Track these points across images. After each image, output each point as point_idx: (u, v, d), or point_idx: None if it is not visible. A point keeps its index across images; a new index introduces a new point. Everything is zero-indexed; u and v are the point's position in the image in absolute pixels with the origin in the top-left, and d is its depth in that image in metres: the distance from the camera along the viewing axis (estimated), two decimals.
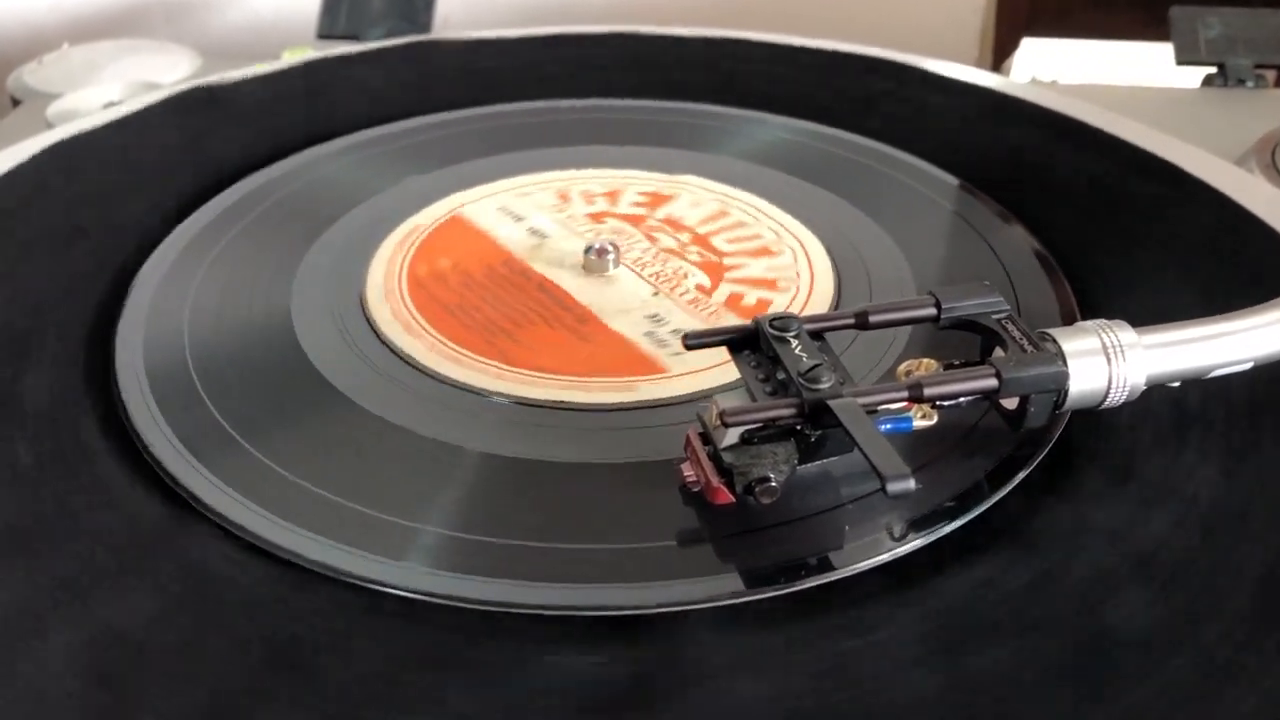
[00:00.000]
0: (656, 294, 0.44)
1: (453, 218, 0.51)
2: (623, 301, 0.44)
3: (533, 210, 0.51)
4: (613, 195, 0.52)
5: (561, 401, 0.39)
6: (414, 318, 0.43)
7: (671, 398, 0.39)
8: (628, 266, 0.46)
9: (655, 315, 0.43)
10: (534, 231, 0.49)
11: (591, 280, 0.45)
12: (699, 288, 0.45)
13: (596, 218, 0.50)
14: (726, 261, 0.47)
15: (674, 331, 0.42)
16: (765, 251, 0.47)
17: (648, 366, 0.40)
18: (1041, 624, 0.30)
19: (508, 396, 0.39)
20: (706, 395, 0.38)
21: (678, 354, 0.40)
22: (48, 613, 0.30)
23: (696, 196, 0.52)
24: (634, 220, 0.50)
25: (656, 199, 0.51)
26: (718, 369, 0.40)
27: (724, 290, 0.45)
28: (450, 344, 0.42)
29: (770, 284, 0.45)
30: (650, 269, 0.46)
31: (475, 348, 0.42)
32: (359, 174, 0.54)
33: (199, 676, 0.29)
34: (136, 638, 0.30)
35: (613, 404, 0.39)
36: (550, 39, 0.69)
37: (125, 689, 0.28)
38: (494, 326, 0.43)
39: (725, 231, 0.49)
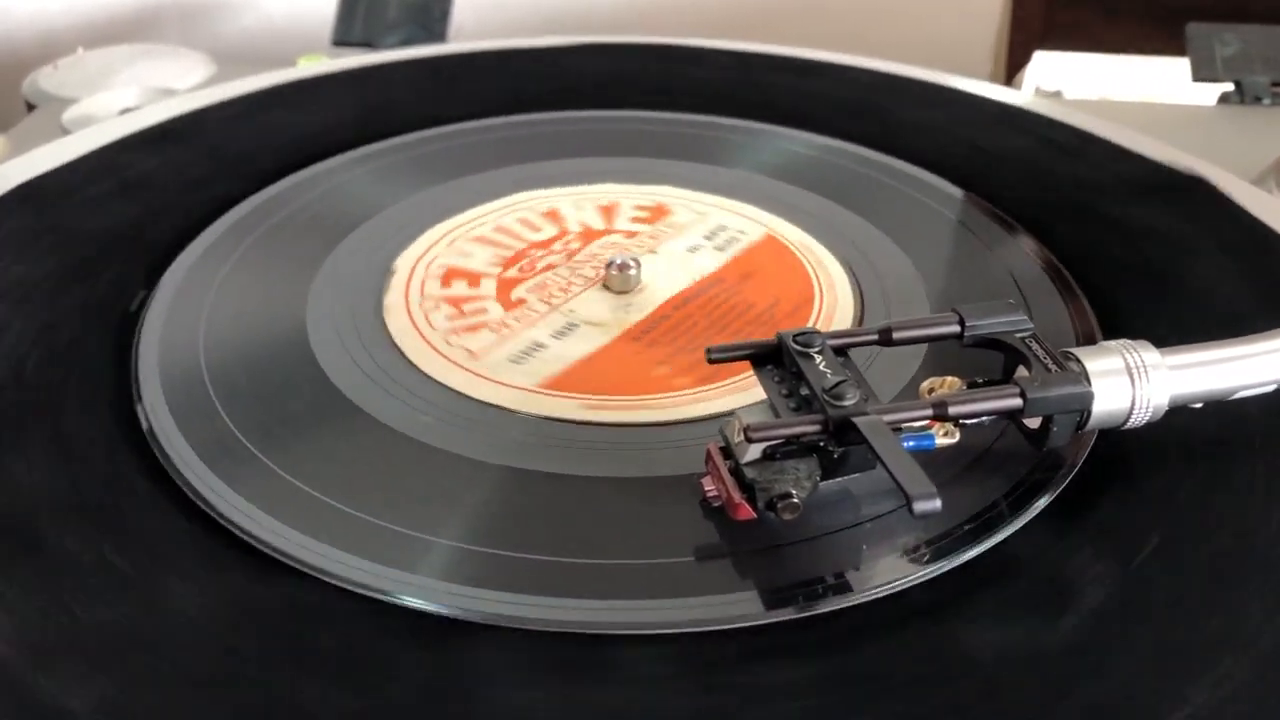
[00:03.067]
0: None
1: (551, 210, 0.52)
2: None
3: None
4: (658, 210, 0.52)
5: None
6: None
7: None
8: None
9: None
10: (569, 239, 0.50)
11: (606, 292, 0.46)
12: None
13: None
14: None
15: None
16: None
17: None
18: None
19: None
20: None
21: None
22: (54, 616, 0.30)
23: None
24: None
25: (654, 213, 0.51)
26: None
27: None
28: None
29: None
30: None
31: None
32: (382, 182, 0.54)
33: (218, 687, 0.29)
34: (150, 647, 0.30)
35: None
36: (549, 50, 0.69)
37: (143, 698, 0.28)
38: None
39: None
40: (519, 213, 0.52)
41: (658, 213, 0.51)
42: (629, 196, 0.53)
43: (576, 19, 0.98)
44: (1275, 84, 0.73)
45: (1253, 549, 0.33)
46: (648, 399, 0.40)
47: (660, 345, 0.42)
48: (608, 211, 0.52)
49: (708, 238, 0.49)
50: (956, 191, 0.53)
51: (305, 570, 0.32)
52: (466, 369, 0.41)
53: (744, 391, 0.39)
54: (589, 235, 0.50)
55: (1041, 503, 0.34)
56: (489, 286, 0.46)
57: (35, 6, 0.98)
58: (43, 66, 0.78)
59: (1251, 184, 0.53)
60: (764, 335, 0.38)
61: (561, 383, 0.40)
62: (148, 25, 0.98)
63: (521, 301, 0.45)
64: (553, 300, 0.45)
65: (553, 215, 0.51)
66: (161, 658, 0.29)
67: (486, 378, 0.41)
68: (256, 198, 0.52)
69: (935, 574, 0.32)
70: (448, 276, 0.47)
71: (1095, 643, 0.30)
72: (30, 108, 0.74)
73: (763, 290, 0.46)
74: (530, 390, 0.40)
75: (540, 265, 0.48)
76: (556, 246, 0.49)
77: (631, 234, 0.50)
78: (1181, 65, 0.76)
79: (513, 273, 0.47)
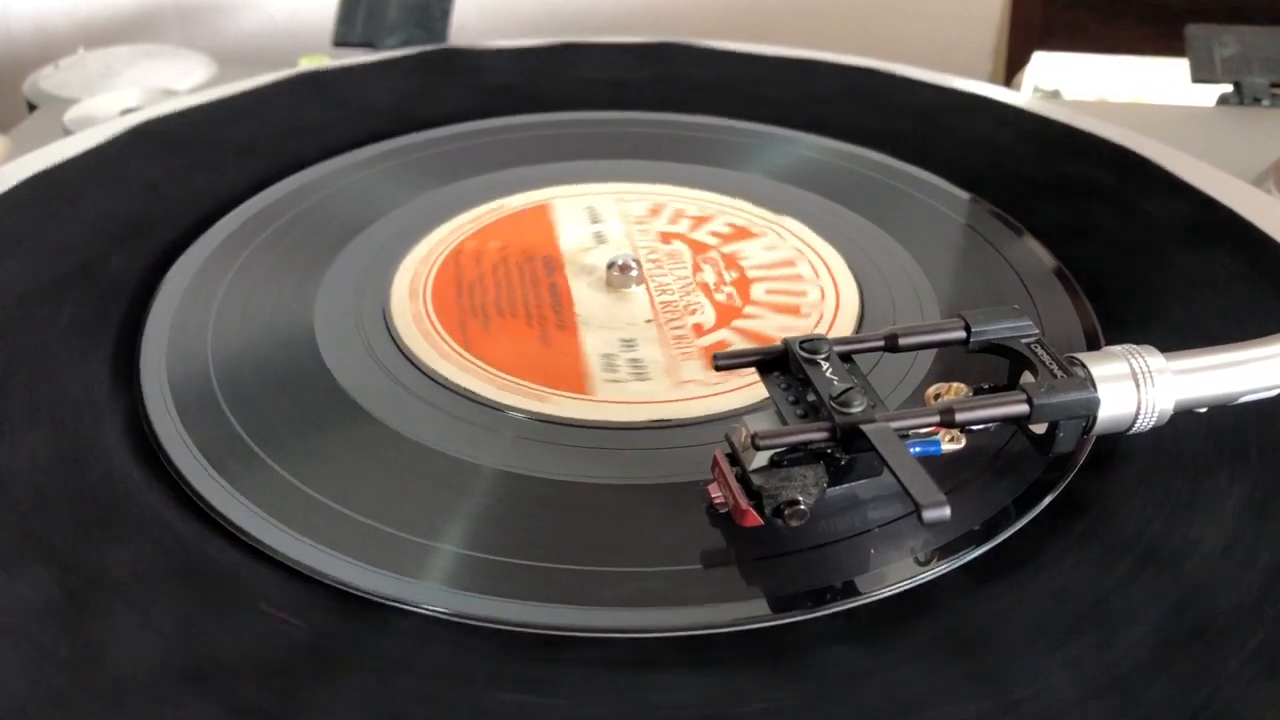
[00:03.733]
0: (650, 321, 0.44)
1: (539, 206, 0.52)
2: (612, 319, 0.44)
3: (615, 216, 0.52)
4: (700, 220, 0.52)
5: (584, 420, 0.39)
6: (424, 288, 0.45)
7: (574, 418, 0.39)
8: (648, 288, 0.46)
9: (630, 340, 0.43)
10: (598, 235, 0.50)
11: (606, 293, 0.46)
12: (695, 327, 0.44)
13: (666, 237, 0.50)
14: (746, 310, 0.46)
15: (633, 360, 0.42)
16: (793, 311, 0.45)
17: (576, 385, 0.40)
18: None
19: (527, 413, 0.39)
20: (613, 426, 0.39)
21: (616, 381, 0.41)
22: (61, 618, 0.31)
23: (778, 240, 0.50)
24: (697, 247, 0.49)
25: (741, 233, 0.51)
26: (637, 405, 0.40)
27: (718, 335, 0.44)
28: (432, 314, 0.44)
29: (769, 341, 0.43)
30: (666, 296, 0.46)
31: (447, 322, 0.43)
32: (389, 183, 0.54)
33: (216, 687, 0.29)
34: (154, 648, 0.30)
35: (632, 422, 0.39)
36: (556, 48, 0.69)
37: (140, 701, 0.28)
38: (479, 308, 0.44)
39: (774, 282, 0.47)
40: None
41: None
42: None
43: (576, 18, 0.98)
44: (1274, 85, 0.73)
45: (1253, 548, 0.33)
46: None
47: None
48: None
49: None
50: (961, 194, 0.54)
51: (306, 573, 0.32)
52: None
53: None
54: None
55: (1046, 501, 0.35)
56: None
57: (36, 7, 0.98)
58: (43, 67, 0.78)
59: (1251, 185, 0.53)
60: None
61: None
62: (148, 26, 0.98)
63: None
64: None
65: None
66: (152, 656, 0.30)
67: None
68: (264, 196, 0.53)
69: (941, 575, 0.32)
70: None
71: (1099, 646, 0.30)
72: (31, 108, 0.74)
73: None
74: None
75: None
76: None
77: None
78: (1181, 66, 0.76)
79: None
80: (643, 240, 0.50)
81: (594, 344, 0.43)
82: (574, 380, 0.41)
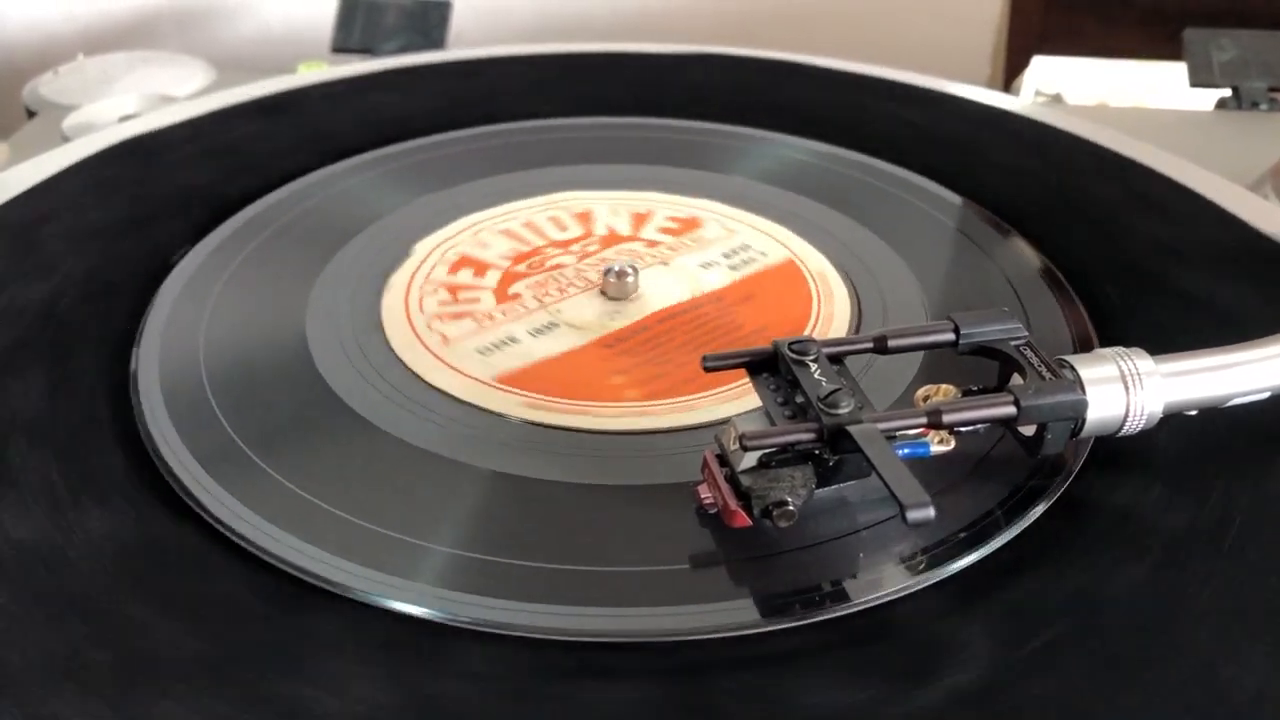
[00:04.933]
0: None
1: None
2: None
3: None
4: (640, 218, 0.52)
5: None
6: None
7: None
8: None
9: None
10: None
11: (601, 299, 0.46)
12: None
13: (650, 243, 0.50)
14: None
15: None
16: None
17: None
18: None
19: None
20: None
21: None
22: (64, 618, 0.31)
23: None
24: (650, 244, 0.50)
25: (685, 225, 0.51)
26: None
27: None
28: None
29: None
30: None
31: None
32: (376, 191, 0.54)
33: (213, 690, 0.29)
34: (151, 652, 0.30)
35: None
36: (545, 58, 0.69)
37: (137, 704, 0.28)
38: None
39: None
40: (553, 211, 0.52)
41: (688, 225, 0.51)
42: (666, 206, 0.53)
43: (574, 25, 0.98)
44: (1272, 89, 0.74)
45: (1251, 554, 0.33)
46: (592, 405, 0.40)
47: (629, 355, 0.43)
48: (640, 219, 0.52)
49: (726, 255, 0.49)
50: (954, 197, 0.54)
51: (303, 577, 0.32)
52: (435, 354, 0.42)
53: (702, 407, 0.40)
54: (611, 240, 0.50)
55: (1038, 510, 0.34)
56: (493, 278, 0.47)
57: (34, 14, 0.98)
58: (42, 73, 0.78)
59: (1248, 189, 0.53)
60: None
61: (515, 379, 0.41)
62: (146, 32, 0.98)
63: (516, 296, 0.46)
64: (545, 299, 0.46)
65: (584, 217, 0.52)
66: (159, 660, 0.30)
67: (448, 364, 0.42)
68: (261, 202, 0.53)
69: (931, 582, 0.32)
70: (458, 265, 0.48)
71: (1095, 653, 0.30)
72: (30, 114, 0.74)
73: (757, 313, 0.45)
74: (483, 382, 0.41)
75: (550, 264, 0.48)
76: (575, 248, 0.49)
77: (653, 243, 0.50)
78: (1179, 70, 0.76)
79: (521, 268, 0.48)
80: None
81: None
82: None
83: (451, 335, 0.43)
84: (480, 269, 0.48)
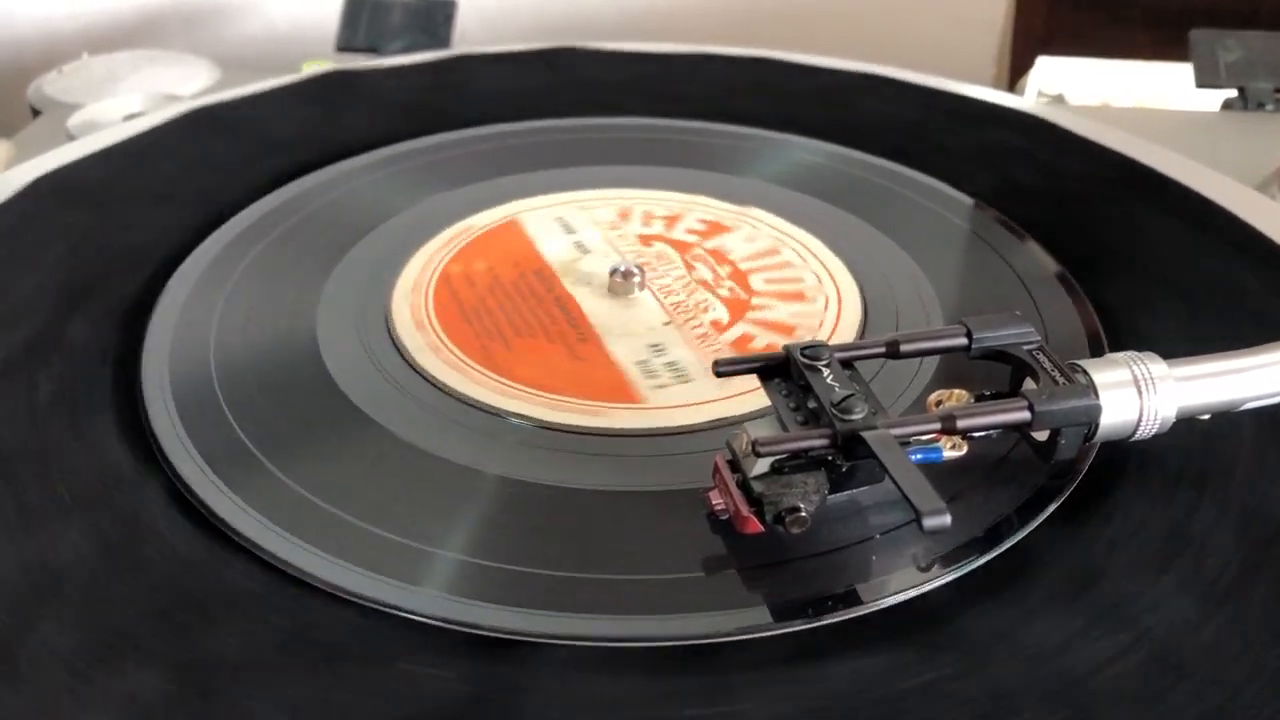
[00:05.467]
0: (669, 323, 0.44)
1: (508, 222, 0.51)
2: (630, 326, 0.44)
3: (587, 225, 0.51)
4: (673, 219, 0.52)
5: (587, 427, 0.39)
6: (428, 317, 0.44)
7: (636, 429, 0.39)
8: (652, 292, 0.46)
9: (658, 345, 0.43)
10: (579, 245, 0.50)
11: (611, 300, 0.45)
12: (714, 323, 0.44)
13: (646, 240, 0.50)
14: (755, 301, 0.46)
15: (669, 364, 0.42)
16: (798, 296, 0.46)
17: (625, 394, 0.40)
18: None
19: (530, 419, 0.39)
20: (677, 431, 0.38)
21: (662, 386, 0.40)
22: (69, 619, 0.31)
23: (754, 231, 0.51)
24: (681, 247, 0.50)
25: (715, 228, 0.51)
26: (694, 407, 0.39)
27: (738, 329, 0.44)
28: (448, 343, 0.43)
29: (788, 330, 0.44)
30: (674, 298, 0.46)
31: (468, 349, 0.42)
32: (387, 189, 0.54)
33: (214, 688, 0.29)
34: (151, 649, 0.30)
35: (695, 425, 0.39)
36: (548, 52, 0.69)
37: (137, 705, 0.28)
38: (495, 332, 0.43)
39: (768, 270, 0.48)
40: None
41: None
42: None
43: (579, 24, 0.98)
44: (1278, 90, 0.73)
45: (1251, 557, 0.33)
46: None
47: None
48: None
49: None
50: (964, 198, 0.53)
51: (309, 580, 0.32)
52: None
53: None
54: (647, 240, 0.51)
55: (1049, 511, 0.34)
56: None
57: (40, 12, 0.98)
58: (47, 72, 0.78)
59: (1255, 190, 0.53)
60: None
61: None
62: (151, 30, 0.98)
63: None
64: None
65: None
66: (159, 660, 0.30)
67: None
68: (267, 201, 0.52)
69: (943, 584, 0.32)
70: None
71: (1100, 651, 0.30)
72: (35, 113, 0.74)
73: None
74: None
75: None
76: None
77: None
78: (1185, 71, 0.76)
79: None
80: (625, 245, 0.50)
81: (623, 352, 0.42)
82: (620, 391, 0.40)
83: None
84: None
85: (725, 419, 0.39)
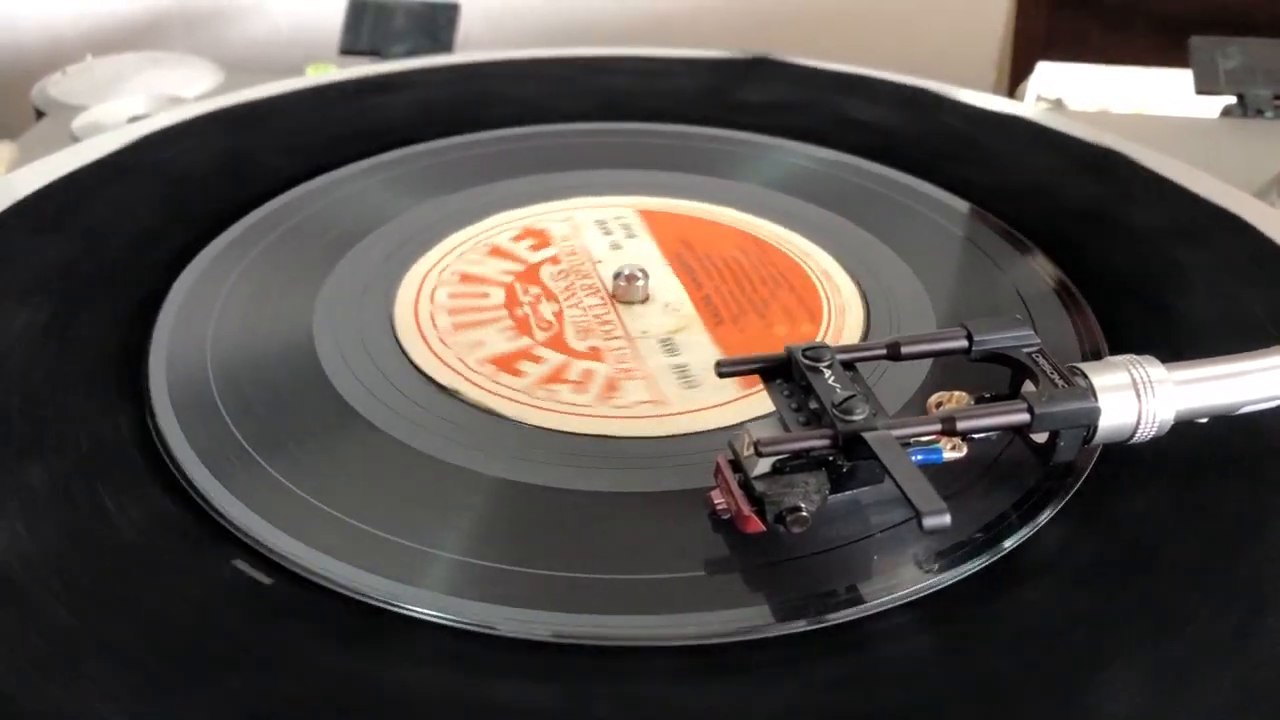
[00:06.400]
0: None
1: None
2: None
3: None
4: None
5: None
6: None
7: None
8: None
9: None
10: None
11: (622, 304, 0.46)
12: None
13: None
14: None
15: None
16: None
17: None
18: None
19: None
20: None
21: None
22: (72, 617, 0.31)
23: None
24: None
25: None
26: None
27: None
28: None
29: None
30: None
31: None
32: (388, 192, 0.55)
33: (215, 687, 0.29)
34: (155, 648, 0.30)
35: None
36: (555, 60, 0.69)
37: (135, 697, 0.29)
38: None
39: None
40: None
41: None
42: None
43: (583, 27, 0.98)
44: (1278, 97, 0.74)
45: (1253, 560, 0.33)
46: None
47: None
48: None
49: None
50: (961, 205, 0.54)
51: (311, 578, 0.33)
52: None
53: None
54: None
55: (1048, 514, 0.35)
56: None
57: (43, 13, 0.98)
58: (51, 74, 0.78)
59: (1254, 197, 0.53)
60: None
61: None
62: (154, 32, 0.98)
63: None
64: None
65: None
66: (163, 660, 0.30)
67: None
68: (270, 204, 0.53)
69: (943, 585, 0.32)
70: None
71: (1099, 655, 0.30)
72: (39, 115, 0.74)
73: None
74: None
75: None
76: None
77: None
78: (1185, 77, 0.76)
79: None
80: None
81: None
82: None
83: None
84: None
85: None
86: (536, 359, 0.42)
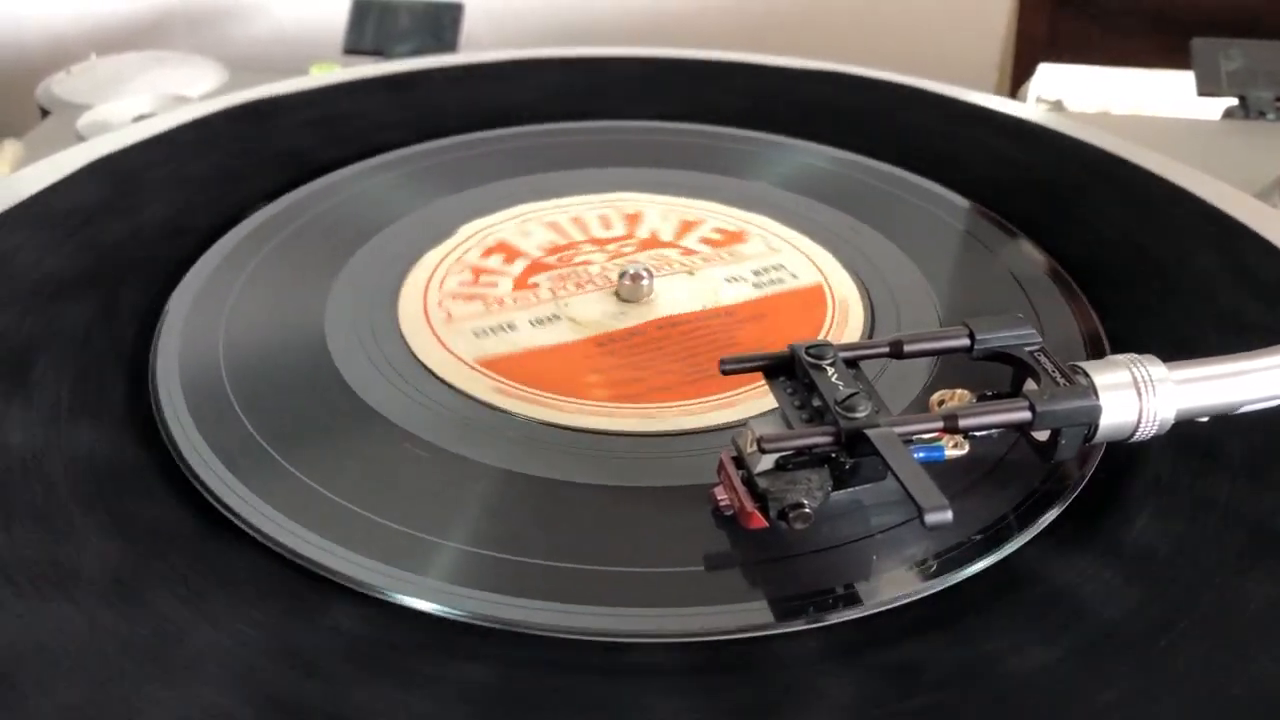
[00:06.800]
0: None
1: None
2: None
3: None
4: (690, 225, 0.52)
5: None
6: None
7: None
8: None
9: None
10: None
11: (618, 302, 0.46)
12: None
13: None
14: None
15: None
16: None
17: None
18: None
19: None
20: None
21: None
22: (79, 616, 0.31)
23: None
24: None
25: (731, 238, 0.51)
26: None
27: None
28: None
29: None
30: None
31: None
32: (400, 190, 0.55)
33: (230, 683, 0.29)
34: (163, 644, 0.30)
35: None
36: (565, 61, 0.70)
37: (144, 694, 0.29)
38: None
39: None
40: (604, 210, 0.53)
41: (732, 238, 0.51)
42: (718, 217, 0.53)
43: (586, 27, 0.99)
44: (1279, 99, 0.74)
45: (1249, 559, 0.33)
46: (559, 399, 0.40)
47: (614, 356, 0.43)
48: (687, 226, 0.52)
49: (756, 273, 0.49)
50: (962, 201, 0.54)
51: (319, 571, 0.33)
52: (435, 333, 0.43)
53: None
54: (649, 244, 0.51)
55: (1051, 515, 0.35)
56: (519, 266, 0.48)
57: (46, 12, 0.98)
58: (55, 72, 0.78)
59: (1255, 198, 0.54)
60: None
61: (493, 364, 0.42)
62: (159, 32, 0.98)
63: (533, 286, 0.47)
64: (559, 292, 0.46)
65: (633, 219, 0.52)
66: (167, 659, 0.30)
67: (441, 341, 0.43)
68: (279, 203, 0.53)
69: (944, 586, 0.32)
70: (493, 250, 0.49)
71: (1102, 656, 0.30)
72: (44, 113, 0.74)
73: (761, 334, 0.45)
74: (464, 362, 0.42)
75: (578, 259, 0.49)
76: (610, 247, 0.50)
77: (689, 252, 0.50)
78: (1186, 79, 0.76)
79: (551, 259, 0.49)
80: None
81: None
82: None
83: (456, 314, 0.45)
84: (512, 255, 0.49)
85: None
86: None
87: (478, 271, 0.48)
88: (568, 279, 0.47)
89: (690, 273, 0.48)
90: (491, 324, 0.44)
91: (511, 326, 0.44)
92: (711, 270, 0.49)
